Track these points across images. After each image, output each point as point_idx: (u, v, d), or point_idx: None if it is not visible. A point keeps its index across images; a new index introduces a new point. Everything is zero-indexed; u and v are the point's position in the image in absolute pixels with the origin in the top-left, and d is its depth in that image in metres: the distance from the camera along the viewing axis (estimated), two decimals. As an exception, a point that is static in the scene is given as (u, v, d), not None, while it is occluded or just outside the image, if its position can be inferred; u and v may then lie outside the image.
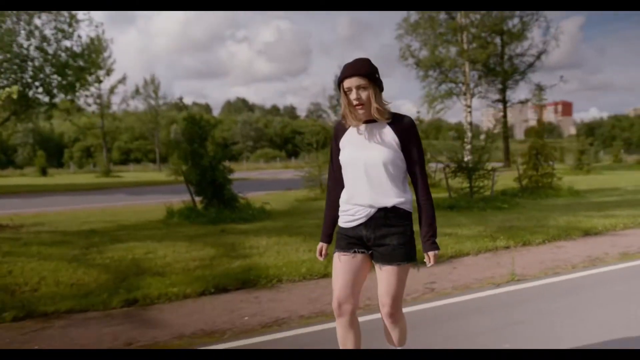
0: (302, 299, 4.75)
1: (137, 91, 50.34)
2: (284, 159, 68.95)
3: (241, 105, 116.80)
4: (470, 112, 27.28)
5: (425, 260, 2.42)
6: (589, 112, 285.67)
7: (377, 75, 2.28)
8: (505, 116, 29.55)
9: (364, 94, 2.24)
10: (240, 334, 3.92)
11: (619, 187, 15.90)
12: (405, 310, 2.77)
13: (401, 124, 2.32)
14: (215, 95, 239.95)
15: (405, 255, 2.36)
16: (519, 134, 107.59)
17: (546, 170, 14.00)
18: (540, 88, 28.16)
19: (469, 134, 26.71)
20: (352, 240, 2.40)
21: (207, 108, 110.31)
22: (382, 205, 2.31)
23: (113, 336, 3.90)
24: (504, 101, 29.49)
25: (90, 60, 21.64)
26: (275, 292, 5.01)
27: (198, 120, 9.60)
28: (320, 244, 2.62)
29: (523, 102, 29.15)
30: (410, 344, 2.85)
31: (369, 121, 2.34)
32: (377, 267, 2.42)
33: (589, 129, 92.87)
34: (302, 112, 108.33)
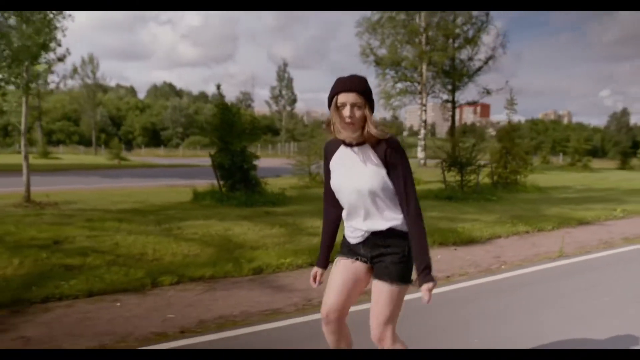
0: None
1: (75, 70, 48.02)
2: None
3: (168, 90, 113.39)
4: (425, 110, 29.02)
5: (422, 294, 2.15)
6: (504, 114, 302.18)
7: (372, 97, 2.19)
8: (453, 116, 31.61)
9: (357, 113, 2.12)
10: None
11: (570, 186, 17.85)
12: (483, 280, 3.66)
13: (387, 145, 2.18)
14: (137, 77, 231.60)
15: (398, 274, 2.22)
16: (441, 133, 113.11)
17: (514, 168, 15.54)
18: (487, 91, 30.45)
19: (423, 131, 28.30)
20: (354, 257, 2.34)
21: (132, 90, 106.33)
22: (377, 229, 2.23)
23: (271, 298, 4.52)
24: (453, 102, 31.50)
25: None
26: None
27: (230, 108, 10.02)
28: (315, 268, 2.47)
29: (471, 104, 31.39)
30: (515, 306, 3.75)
31: (357, 143, 2.22)
32: (372, 284, 2.30)
33: (506, 132, 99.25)
34: (230, 100, 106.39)
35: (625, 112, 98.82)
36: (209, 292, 4.63)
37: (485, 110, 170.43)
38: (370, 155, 2.19)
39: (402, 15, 28.43)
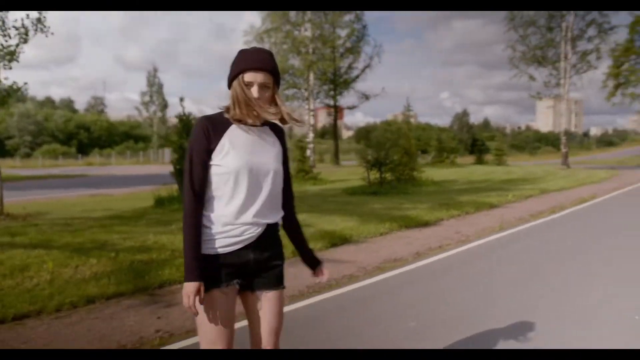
0: (421, 234, 7.14)
1: None
2: (73, 155, 63.96)
3: (5, 95, 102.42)
4: (313, 115, 31.07)
5: (318, 275, 2.23)
6: (355, 116, 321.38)
7: (279, 75, 2.01)
8: (335, 119, 34.15)
9: (266, 94, 1.93)
10: (419, 255, 6.23)
11: (455, 179, 20.88)
12: (451, 252, 5.52)
13: (280, 132, 2.10)
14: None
15: (283, 276, 2.08)
16: (298, 135, 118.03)
17: (412, 166, 17.99)
18: (366, 96, 33.52)
19: (312, 135, 30.31)
20: (232, 270, 1.94)
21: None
22: (270, 222, 1.99)
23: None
24: (335, 106, 34.06)
25: None
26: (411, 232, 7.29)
27: (188, 118, 10.73)
28: (195, 284, 1.86)
29: (351, 108, 34.31)
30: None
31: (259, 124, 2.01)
32: (259, 297, 2.02)
33: (366, 132, 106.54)
34: (79, 106, 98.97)
35: (465, 113, 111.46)
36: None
37: (340, 112, 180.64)
38: (272, 136, 2.05)
39: (287, 26, 30.20)
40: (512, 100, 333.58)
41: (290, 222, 2.18)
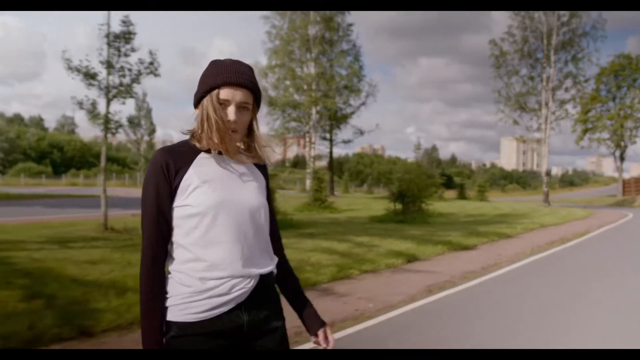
0: (458, 260, 9.10)
1: None
2: (49, 175, 63.31)
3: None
4: (313, 147, 33.22)
5: (320, 340, 1.71)
6: (326, 147, 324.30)
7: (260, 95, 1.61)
8: (331, 152, 36.55)
9: (244, 117, 1.53)
10: (485, 269, 8.18)
11: (454, 212, 23.07)
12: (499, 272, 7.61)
13: (263, 166, 1.70)
14: None
15: (287, 340, 1.67)
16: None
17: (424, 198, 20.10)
18: (361, 132, 36.02)
19: (312, 165, 32.42)
20: (220, 340, 1.49)
21: None
22: (263, 271, 1.57)
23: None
24: (331, 140, 36.46)
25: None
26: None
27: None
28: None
29: (346, 142, 36.77)
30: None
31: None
32: None
33: (338, 164, 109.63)
34: (47, 124, 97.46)
35: (434, 148, 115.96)
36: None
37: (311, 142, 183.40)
38: (249, 168, 1.64)
39: (292, 64, 32.61)
40: (475, 138, 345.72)
41: (283, 271, 1.73)
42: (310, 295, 1.89)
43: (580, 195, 63.48)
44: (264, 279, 1.57)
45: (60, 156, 72.55)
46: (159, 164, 1.50)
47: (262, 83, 33.30)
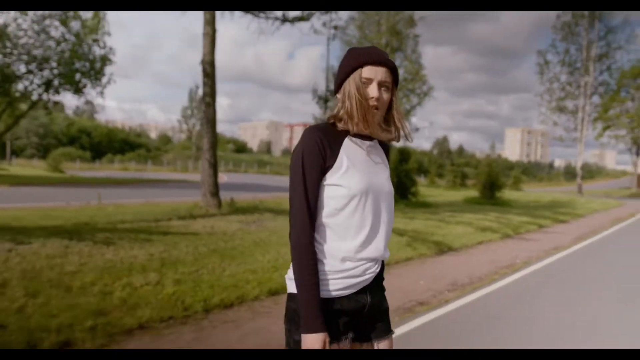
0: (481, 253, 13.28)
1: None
2: (87, 160, 65.04)
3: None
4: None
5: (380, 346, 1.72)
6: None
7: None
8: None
9: (385, 96, 1.58)
10: (579, 239, 12.41)
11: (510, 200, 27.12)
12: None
13: (387, 147, 1.78)
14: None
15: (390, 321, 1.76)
16: (276, 151, 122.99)
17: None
18: (416, 128, 40.33)
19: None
20: (347, 319, 1.61)
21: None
22: (385, 257, 1.67)
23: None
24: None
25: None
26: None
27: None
28: (321, 335, 1.52)
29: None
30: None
31: (365, 136, 1.65)
32: (372, 346, 1.70)
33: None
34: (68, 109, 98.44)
35: (445, 139, 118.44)
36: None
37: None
38: (381, 152, 1.73)
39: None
40: (478, 128, 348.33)
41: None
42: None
43: (595, 188, 64.83)
44: (382, 263, 1.68)
45: (88, 141, 75.09)
46: (314, 142, 1.54)
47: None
